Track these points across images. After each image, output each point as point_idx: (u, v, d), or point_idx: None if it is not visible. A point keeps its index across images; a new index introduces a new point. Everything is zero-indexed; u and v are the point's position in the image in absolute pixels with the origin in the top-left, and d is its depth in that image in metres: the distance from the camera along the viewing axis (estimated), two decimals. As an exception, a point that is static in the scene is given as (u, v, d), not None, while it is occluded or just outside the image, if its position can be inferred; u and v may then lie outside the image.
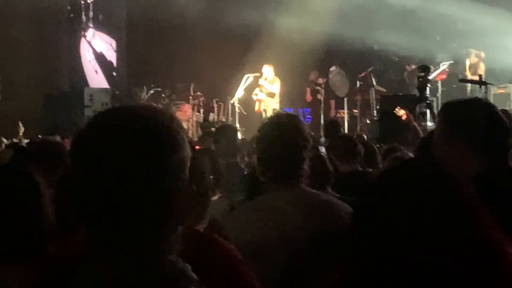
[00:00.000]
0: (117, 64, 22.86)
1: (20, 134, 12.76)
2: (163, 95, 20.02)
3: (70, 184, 1.90)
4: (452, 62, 18.81)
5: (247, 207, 3.97)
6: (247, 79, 18.30)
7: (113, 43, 23.33)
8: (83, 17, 23.09)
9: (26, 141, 12.06)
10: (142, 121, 1.85)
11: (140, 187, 1.79)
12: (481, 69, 17.98)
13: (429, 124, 13.97)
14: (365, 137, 12.63)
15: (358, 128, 18.19)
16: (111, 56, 23.32)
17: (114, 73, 22.96)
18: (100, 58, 23.21)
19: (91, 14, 23.07)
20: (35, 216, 2.88)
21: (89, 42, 23.35)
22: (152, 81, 20.06)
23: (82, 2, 22.95)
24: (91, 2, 22.92)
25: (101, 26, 23.35)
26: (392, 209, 2.00)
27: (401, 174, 2.05)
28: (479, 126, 3.25)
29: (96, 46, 23.39)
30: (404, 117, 9.03)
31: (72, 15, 23.12)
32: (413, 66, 19.06)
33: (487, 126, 3.25)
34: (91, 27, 23.29)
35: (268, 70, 18.42)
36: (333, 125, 11.99)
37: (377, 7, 19.46)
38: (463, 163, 3.10)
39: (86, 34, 23.37)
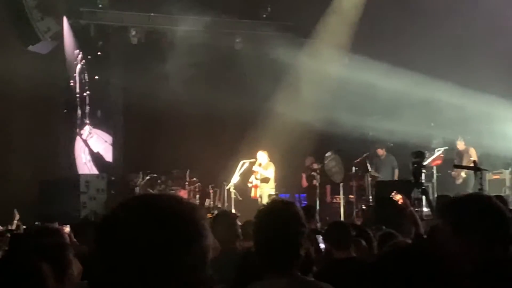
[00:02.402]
0: (113, 150, 22.26)
1: (15, 221, 12.70)
2: (158, 181, 20.05)
3: (94, 267, 1.93)
4: (447, 148, 18.91)
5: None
6: (242, 165, 18.38)
7: (110, 139, 22.22)
8: (79, 112, 22.03)
9: (23, 227, 12.03)
10: (166, 211, 1.89)
11: (162, 275, 1.82)
12: (473, 155, 18.08)
13: (425, 210, 13.96)
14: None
15: (354, 213, 18.18)
16: (108, 156, 22.24)
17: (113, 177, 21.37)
18: (97, 160, 22.10)
19: (87, 109, 22.09)
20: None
21: (85, 141, 22.21)
22: (148, 168, 20.10)
23: (78, 95, 21.90)
24: (87, 95, 21.97)
25: (98, 122, 22.32)
26: None
27: (399, 261, 2.02)
28: (481, 222, 3.34)
29: (93, 146, 22.27)
30: (400, 202, 9.02)
31: (66, 111, 21.87)
32: (384, 150, 19.25)
33: (488, 222, 3.33)
34: (87, 124, 22.22)
35: (262, 156, 18.52)
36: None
37: (372, 94, 19.67)
38: (466, 254, 3.20)
39: (82, 132, 22.16)
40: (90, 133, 22.32)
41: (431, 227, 5.59)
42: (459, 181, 18.56)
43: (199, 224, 1.90)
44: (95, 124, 22.38)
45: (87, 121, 22.23)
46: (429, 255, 2.03)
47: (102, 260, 1.88)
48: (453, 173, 18.66)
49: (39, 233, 4.39)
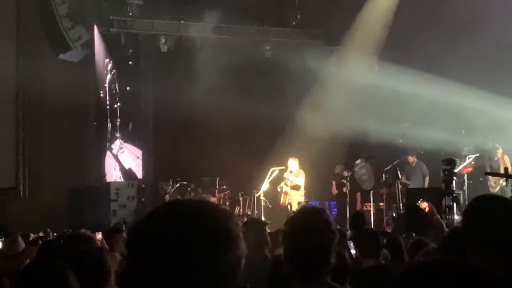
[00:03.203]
0: (143, 158, 22.22)
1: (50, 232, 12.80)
2: (188, 188, 20.11)
3: (126, 273, 1.93)
4: (478, 155, 18.76)
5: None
6: (272, 172, 18.36)
7: (141, 154, 21.96)
8: (109, 125, 21.56)
9: (54, 234, 12.10)
10: (198, 218, 1.86)
11: (193, 282, 1.80)
12: (507, 162, 17.93)
13: (456, 217, 13.85)
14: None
15: (385, 221, 18.10)
16: (140, 173, 21.92)
17: (143, 185, 21.29)
18: (128, 176, 21.62)
19: (118, 121, 21.63)
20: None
21: (115, 156, 21.70)
22: (178, 175, 20.15)
23: (108, 107, 21.46)
24: (118, 107, 21.60)
25: (129, 135, 21.96)
26: None
27: (429, 272, 1.93)
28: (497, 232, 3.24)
29: (124, 162, 21.84)
30: (427, 209, 8.97)
31: (96, 123, 21.55)
32: (414, 157, 19.17)
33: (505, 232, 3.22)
34: (118, 137, 21.73)
35: (293, 163, 18.49)
36: (359, 217, 11.89)
37: (402, 101, 19.57)
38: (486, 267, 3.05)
39: (113, 146, 21.65)
40: (121, 147, 22.02)
41: (445, 237, 5.53)
42: (496, 189, 18.38)
43: (232, 232, 1.88)
44: (126, 138, 22.13)
45: (118, 135, 21.94)
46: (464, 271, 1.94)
47: (133, 267, 1.87)
48: (492, 183, 18.48)
49: (72, 239, 4.42)
